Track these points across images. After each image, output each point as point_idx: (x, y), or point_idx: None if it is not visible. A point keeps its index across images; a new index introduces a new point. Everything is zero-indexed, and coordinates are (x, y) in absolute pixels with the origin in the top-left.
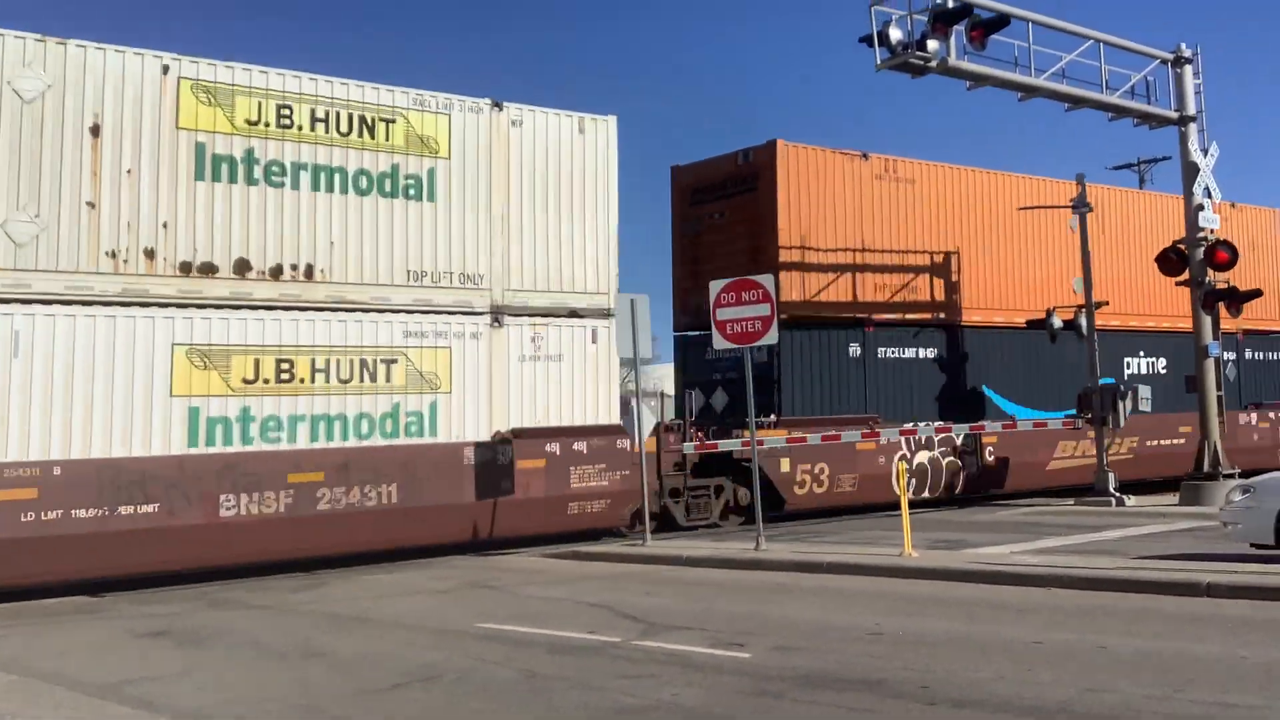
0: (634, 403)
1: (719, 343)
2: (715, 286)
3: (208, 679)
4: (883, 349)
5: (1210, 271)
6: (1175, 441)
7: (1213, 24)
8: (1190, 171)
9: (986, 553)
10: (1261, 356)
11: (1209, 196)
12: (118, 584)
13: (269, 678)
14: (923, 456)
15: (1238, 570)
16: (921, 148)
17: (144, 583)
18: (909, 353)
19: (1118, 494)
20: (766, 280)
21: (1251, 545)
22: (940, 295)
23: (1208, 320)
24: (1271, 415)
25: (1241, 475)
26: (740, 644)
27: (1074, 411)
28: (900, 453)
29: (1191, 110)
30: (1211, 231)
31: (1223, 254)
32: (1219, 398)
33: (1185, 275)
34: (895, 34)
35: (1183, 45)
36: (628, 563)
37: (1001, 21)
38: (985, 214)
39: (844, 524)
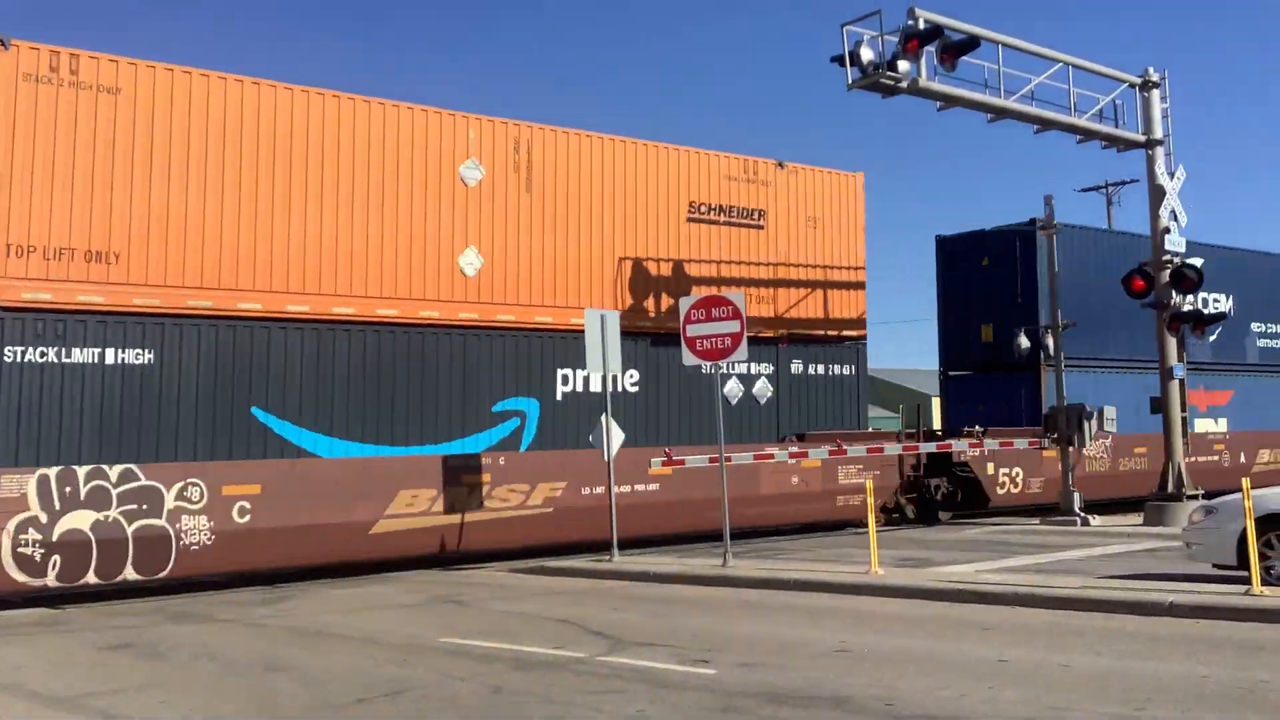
0: (603, 419)
1: (689, 359)
2: (685, 303)
3: (169, 692)
4: (20, 348)
5: (1175, 293)
6: (645, 488)
7: (1181, 49)
8: (1157, 194)
9: (952, 571)
10: (816, 370)
11: (1175, 219)
12: (80, 596)
13: (231, 692)
14: (81, 519)
15: (1200, 590)
16: (893, 166)
17: (106, 595)
18: (84, 355)
19: (1082, 514)
20: (737, 297)
21: (1214, 565)
22: (178, 260)
23: (1173, 342)
24: (825, 452)
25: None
26: (706, 660)
27: (460, 445)
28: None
29: (1158, 134)
30: (1177, 255)
31: (1190, 276)
32: (1183, 419)
33: (1151, 297)
34: (867, 54)
35: (1150, 69)
36: (595, 578)
37: (971, 43)
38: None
39: (811, 541)
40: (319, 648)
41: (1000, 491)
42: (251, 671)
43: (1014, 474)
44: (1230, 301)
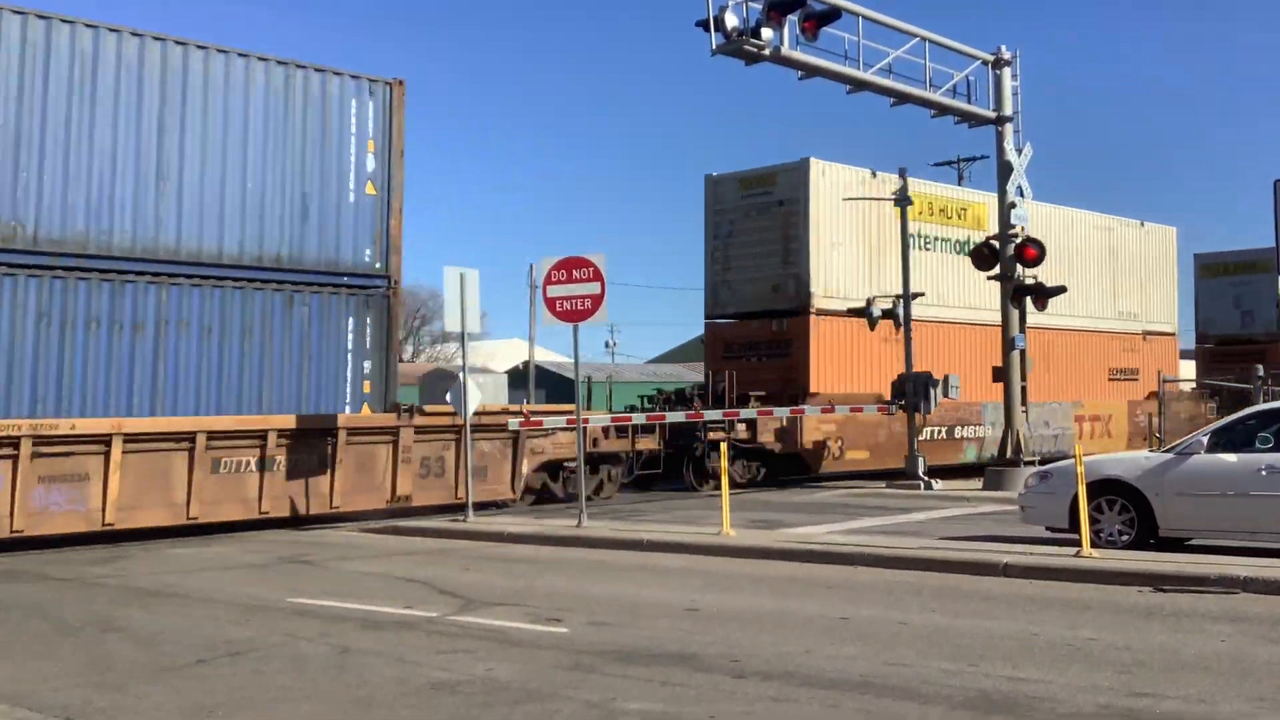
0: (461, 376)
1: (547, 319)
2: (546, 263)
3: None
4: None
5: (1020, 267)
6: None
7: (1033, 29)
8: (1005, 170)
9: (801, 532)
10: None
11: (1021, 195)
12: None
13: (64, 653)
14: None
15: (1033, 552)
16: (756, 137)
17: None
18: None
19: (926, 478)
20: (598, 258)
21: (1047, 528)
22: None
23: (1015, 313)
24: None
25: None
26: (558, 619)
27: None
28: None
29: (1008, 111)
30: (1021, 229)
31: (1031, 250)
32: (1022, 388)
33: (996, 269)
34: (731, 20)
35: (1003, 48)
36: (448, 538)
37: (833, 14)
38: None
39: (667, 503)
40: (158, 608)
41: None
42: (86, 632)
43: None
44: None
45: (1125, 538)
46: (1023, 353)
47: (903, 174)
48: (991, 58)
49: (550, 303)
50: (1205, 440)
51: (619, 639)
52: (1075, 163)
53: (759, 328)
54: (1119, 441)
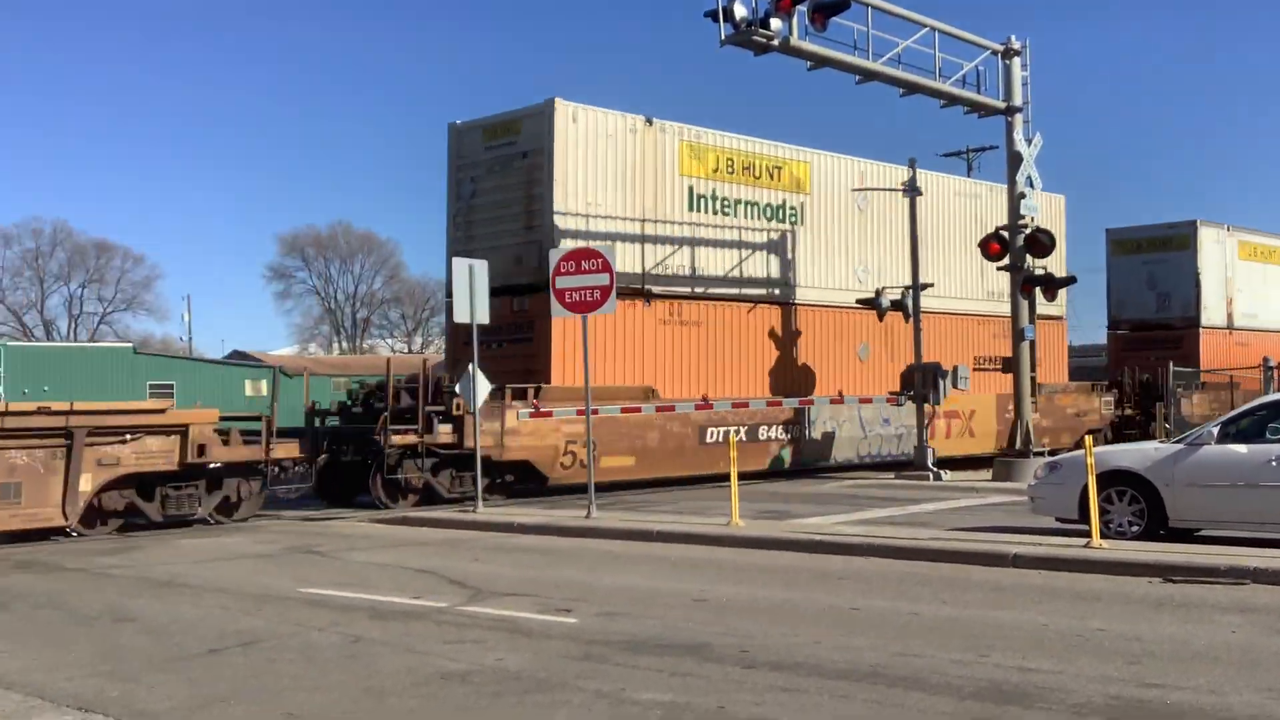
0: (471, 368)
1: (557, 311)
2: (555, 255)
3: (10, 643)
4: None
5: (1029, 257)
6: None
7: (1042, 19)
8: (1014, 161)
9: (810, 523)
10: None
11: (1031, 185)
12: None
13: (76, 642)
14: None
15: (1043, 542)
16: (764, 124)
17: None
18: None
19: (935, 469)
20: (607, 250)
21: (1056, 519)
22: None
23: (1024, 304)
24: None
25: None
26: (568, 610)
27: None
28: None
29: (1018, 101)
30: (1031, 219)
31: (1043, 242)
32: (1032, 379)
33: (1006, 260)
34: (740, 10)
35: (1013, 38)
36: (458, 529)
37: (842, 4)
38: None
39: (676, 494)
40: (169, 598)
41: None
42: (98, 621)
43: None
44: None
45: (1135, 528)
46: (1032, 343)
47: (912, 164)
48: (1001, 48)
49: (559, 294)
50: (1215, 431)
51: (629, 629)
52: (1078, 157)
53: (500, 307)
54: (985, 442)
